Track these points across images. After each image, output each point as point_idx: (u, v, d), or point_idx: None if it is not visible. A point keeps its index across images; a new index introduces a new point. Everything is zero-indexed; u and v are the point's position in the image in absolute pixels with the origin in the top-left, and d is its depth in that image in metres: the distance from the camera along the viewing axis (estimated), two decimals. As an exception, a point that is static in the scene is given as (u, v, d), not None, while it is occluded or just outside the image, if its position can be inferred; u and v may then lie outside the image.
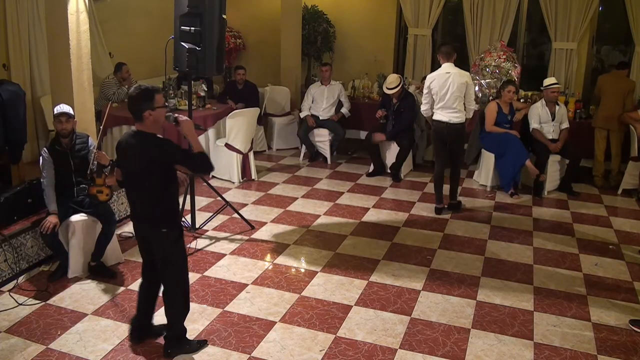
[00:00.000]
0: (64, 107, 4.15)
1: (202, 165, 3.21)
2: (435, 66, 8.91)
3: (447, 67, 5.53)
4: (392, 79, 6.80)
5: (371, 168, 7.06)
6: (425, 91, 5.67)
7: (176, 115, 3.20)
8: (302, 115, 7.60)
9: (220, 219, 5.40)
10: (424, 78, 7.72)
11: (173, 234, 3.18)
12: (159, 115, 3.08)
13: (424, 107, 5.74)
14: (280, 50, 8.66)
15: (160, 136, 3.13)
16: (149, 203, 3.14)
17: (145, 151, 3.05)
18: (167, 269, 3.22)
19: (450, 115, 5.52)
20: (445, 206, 5.84)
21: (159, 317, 3.45)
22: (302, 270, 4.47)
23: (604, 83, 6.68)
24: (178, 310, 3.30)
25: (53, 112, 4.16)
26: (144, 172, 3.09)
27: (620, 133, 6.52)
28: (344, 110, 7.57)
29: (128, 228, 5.11)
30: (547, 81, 6.44)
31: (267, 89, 8.17)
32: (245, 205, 5.85)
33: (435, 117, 5.65)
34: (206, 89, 7.13)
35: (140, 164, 3.08)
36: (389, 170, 6.97)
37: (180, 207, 4.88)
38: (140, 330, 3.42)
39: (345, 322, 3.71)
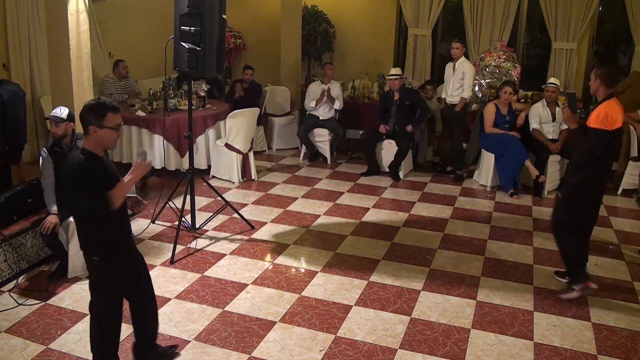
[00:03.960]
0: (57, 110, 4.07)
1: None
2: (435, 65, 8.98)
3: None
4: (396, 69, 7.09)
5: (366, 168, 7.08)
6: (473, 74, 6.65)
7: (147, 160, 2.95)
8: (311, 105, 7.47)
9: (220, 219, 5.40)
10: (425, 84, 7.79)
11: (101, 263, 2.88)
12: (103, 136, 2.78)
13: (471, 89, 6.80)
14: (280, 50, 8.66)
15: (85, 154, 2.78)
16: (79, 225, 2.91)
17: (64, 170, 2.81)
18: (93, 296, 2.95)
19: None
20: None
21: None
22: (302, 270, 4.47)
23: (637, 76, 6.61)
24: (95, 345, 2.99)
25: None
26: (67, 194, 2.86)
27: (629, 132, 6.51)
28: (337, 103, 7.44)
29: (128, 228, 5.11)
30: (548, 81, 6.46)
31: (267, 89, 8.17)
32: (245, 205, 5.85)
33: (466, 95, 6.64)
34: (206, 90, 7.13)
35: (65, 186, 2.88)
36: (386, 170, 6.97)
37: (180, 207, 4.89)
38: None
39: (345, 322, 3.71)
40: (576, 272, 4.12)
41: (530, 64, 9.02)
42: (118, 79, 6.95)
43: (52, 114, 4.08)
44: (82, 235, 2.93)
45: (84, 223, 2.88)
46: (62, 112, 4.08)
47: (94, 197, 2.73)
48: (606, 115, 3.83)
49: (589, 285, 4.05)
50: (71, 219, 4.16)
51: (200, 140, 6.59)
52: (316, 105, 7.41)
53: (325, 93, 7.32)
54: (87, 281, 4.09)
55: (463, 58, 6.60)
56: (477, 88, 7.27)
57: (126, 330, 3.54)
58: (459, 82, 6.57)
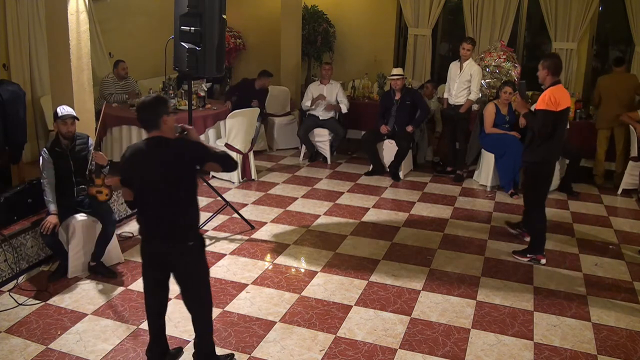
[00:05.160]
0: (68, 109, 4.13)
1: (228, 160, 3.06)
2: (435, 65, 8.98)
3: None
4: (398, 69, 7.06)
5: (370, 167, 7.09)
6: (481, 76, 6.70)
7: (182, 124, 3.05)
8: (307, 104, 7.49)
9: (220, 219, 5.40)
10: (426, 82, 7.79)
11: (199, 245, 3.00)
12: (172, 122, 2.93)
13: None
14: (280, 50, 8.66)
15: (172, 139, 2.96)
16: (178, 214, 2.89)
17: (179, 154, 2.86)
18: (195, 283, 3.02)
19: None
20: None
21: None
22: (302, 270, 4.47)
23: (604, 84, 6.66)
24: (209, 324, 3.12)
25: (55, 113, 4.14)
26: (174, 176, 2.85)
27: (623, 132, 6.51)
28: (343, 107, 7.46)
29: (128, 228, 5.11)
30: None
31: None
32: (245, 205, 5.85)
33: (474, 97, 6.63)
34: (206, 89, 7.13)
35: (173, 170, 2.85)
36: (387, 170, 6.97)
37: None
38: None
39: (345, 322, 3.71)
40: (537, 244, 4.71)
41: (530, 64, 9.01)
42: (118, 79, 6.96)
43: (67, 113, 4.08)
44: (188, 223, 2.96)
45: (190, 206, 2.96)
46: (69, 110, 4.11)
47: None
48: (550, 97, 4.36)
49: (539, 259, 4.68)
50: (71, 218, 4.18)
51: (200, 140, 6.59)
52: (311, 105, 7.42)
53: (321, 100, 7.35)
54: (88, 281, 4.14)
55: (471, 60, 6.57)
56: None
57: (126, 330, 3.55)
58: (465, 84, 6.56)
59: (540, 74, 4.55)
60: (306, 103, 7.50)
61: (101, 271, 4.25)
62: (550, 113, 4.35)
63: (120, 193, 5.13)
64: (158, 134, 2.89)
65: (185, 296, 3.05)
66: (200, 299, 3.06)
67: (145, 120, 2.89)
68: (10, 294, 3.92)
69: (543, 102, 4.37)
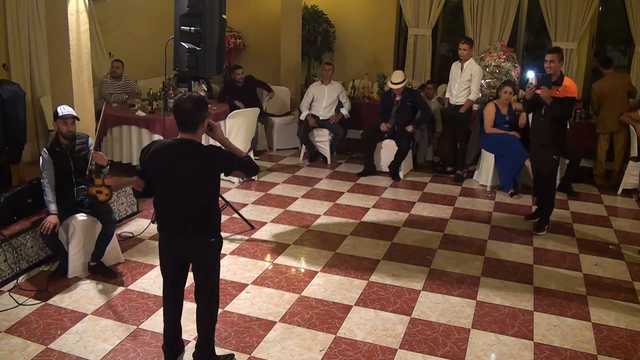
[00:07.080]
0: (68, 109, 4.12)
1: (252, 167, 3.11)
2: (435, 65, 8.98)
3: None
4: (398, 74, 6.92)
5: (362, 168, 7.11)
6: (481, 77, 6.72)
7: (208, 120, 3.04)
8: (302, 116, 7.58)
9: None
10: (427, 83, 7.79)
11: (219, 242, 3.05)
12: (206, 125, 2.95)
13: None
14: (280, 50, 8.66)
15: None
16: (201, 213, 2.94)
17: (205, 158, 2.88)
18: (211, 279, 3.07)
19: None
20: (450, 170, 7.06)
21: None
22: (302, 270, 4.48)
23: (599, 89, 6.66)
24: (215, 322, 3.18)
25: (55, 112, 4.14)
26: (200, 181, 2.89)
27: (623, 133, 6.52)
28: (344, 111, 7.53)
29: (128, 228, 5.11)
30: None
31: (267, 88, 8.17)
32: (245, 205, 5.85)
33: (473, 97, 6.63)
34: (206, 89, 7.12)
35: (199, 172, 2.87)
36: (386, 170, 6.97)
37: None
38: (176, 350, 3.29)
39: (345, 322, 3.71)
40: (549, 217, 5.33)
41: (530, 64, 9.01)
42: (115, 79, 6.96)
43: (67, 113, 4.08)
44: (211, 220, 3.00)
45: (214, 205, 3.01)
46: (70, 110, 4.11)
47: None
48: (574, 86, 4.90)
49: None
50: (77, 217, 4.18)
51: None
52: (304, 119, 7.51)
53: (311, 123, 7.44)
54: (88, 281, 4.14)
55: (472, 60, 6.56)
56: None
57: (126, 330, 3.55)
58: (465, 84, 6.55)
59: (556, 66, 4.86)
60: (303, 111, 7.55)
61: (101, 271, 4.25)
62: (576, 100, 5.06)
63: (120, 192, 5.13)
64: (191, 137, 2.89)
65: (200, 291, 3.09)
66: (213, 294, 3.12)
67: (183, 121, 2.87)
68: (10, 294, 3.92)
69: (575, 90, 4.90)
